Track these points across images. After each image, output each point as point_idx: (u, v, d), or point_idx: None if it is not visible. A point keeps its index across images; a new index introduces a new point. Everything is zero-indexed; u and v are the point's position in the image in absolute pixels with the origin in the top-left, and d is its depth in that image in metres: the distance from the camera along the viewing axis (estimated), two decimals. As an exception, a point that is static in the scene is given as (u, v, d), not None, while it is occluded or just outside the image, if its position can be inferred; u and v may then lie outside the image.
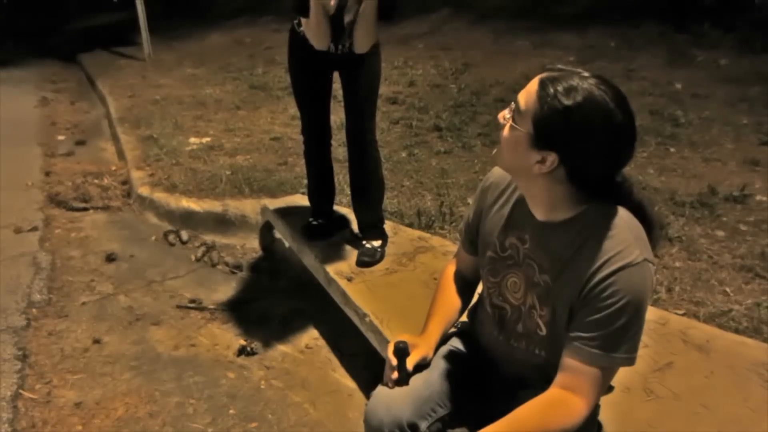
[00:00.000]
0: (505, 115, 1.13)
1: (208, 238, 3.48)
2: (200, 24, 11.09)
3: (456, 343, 1.43)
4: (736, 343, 1.93)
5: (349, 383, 2.30)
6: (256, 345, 2.49)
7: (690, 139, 4.15)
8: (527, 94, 1.08)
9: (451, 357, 1.38)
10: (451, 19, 8.49)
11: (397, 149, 4.25)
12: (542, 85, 1.06)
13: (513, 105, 1.12)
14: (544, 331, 1.22)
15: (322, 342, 2.56)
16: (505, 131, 1.13)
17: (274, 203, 3.22)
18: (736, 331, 2.10)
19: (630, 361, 1.11)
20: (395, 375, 1.29)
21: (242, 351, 2.47)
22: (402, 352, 1.28)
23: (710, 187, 3.34)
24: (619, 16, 7.09)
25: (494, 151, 1.18)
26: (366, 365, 2.30)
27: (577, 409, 1.11)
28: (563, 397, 1.12)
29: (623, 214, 1.12)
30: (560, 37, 6.95)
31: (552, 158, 1.07)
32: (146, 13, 8.89)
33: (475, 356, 1.40)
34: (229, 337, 2.59)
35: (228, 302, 2.86)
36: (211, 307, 2.82)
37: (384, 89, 5.85)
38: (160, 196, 3.82)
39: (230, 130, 5.01)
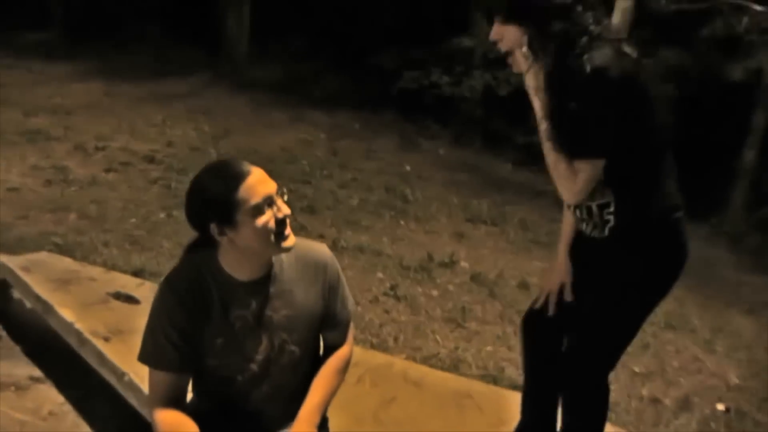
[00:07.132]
0: None
1: None
2: None
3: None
4: (442, 378, 2.48)
5: (101, 447, 2.25)
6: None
7: (415, 214, 5.01)
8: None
9: None
10: (212, 84, 8.69)
11: (155, 210, 4.26)
12: None
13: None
14: (297, 353, 1.41)
15: (68, 407, 2.45)
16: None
17: (14, 260, 2.98)
18: (442, 368, 2.67)
19: None
20: None
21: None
22: None
23: (429, 255, 4.11)
24: (362, 103, 8.17)
25: None
26: (122, 427, 2.29)
27: (349, 349, 1.52)
28: (339, 354, 1.49)
29: None
30: (313, 115, 7.69)
31: None
32: None
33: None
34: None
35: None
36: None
37: (140, 147, 5.77)
38: None
39: (-47, 178, 4.40)
